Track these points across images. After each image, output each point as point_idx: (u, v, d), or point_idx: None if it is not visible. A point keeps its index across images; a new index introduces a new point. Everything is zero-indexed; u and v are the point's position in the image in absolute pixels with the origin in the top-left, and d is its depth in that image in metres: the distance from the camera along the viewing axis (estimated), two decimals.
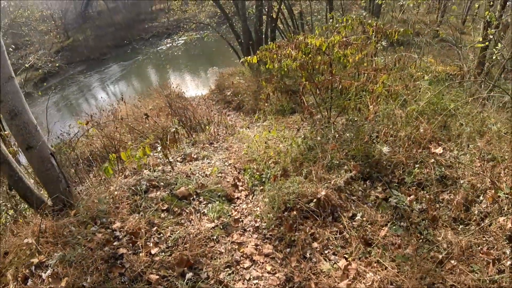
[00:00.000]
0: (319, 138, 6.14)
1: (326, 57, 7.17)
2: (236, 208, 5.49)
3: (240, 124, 10.97)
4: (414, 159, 5.52)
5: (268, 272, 4.21)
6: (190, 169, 6.48)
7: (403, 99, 6.63)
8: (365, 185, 5.43)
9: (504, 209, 4.47)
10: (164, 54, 29.27)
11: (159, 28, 31.33)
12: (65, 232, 4.38)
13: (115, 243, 4.26)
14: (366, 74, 7.21)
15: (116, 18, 35.91)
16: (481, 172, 5.01)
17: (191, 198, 5.40)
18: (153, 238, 4.44)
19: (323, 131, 6.51)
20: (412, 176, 5.36)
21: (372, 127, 6.34)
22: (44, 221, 4.45)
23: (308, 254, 4.36)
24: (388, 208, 4.94)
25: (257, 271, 4.22)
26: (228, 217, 5.11)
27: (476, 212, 4.64)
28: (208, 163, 7.06)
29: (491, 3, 10.52)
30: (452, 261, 3.99)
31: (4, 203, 5.82)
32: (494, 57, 9.55)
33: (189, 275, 3.98)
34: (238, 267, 4.28)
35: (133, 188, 5.33)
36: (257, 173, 6.17)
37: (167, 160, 6.45)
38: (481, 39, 9.99)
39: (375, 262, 4.16)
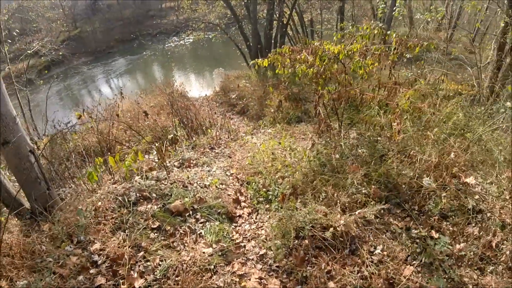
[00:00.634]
0: (337, 156, 5.30)
1: (342, 66, 6.43)
2: (237, 229, 4.68)
3: (243, 129, 10.19)
4: (443, 187, 4.72)
5: None
6: (188, 177, 5.70)
7: (427, 118, 5.87)
8: (382, 211, 4.64)
9: None
10: (171, 52, 28.52)
11: (168, 26, 30.60)
12: (36, 250, 3.59)
13: (92, 271, 3.47)
14: (386, 88, 6.41)
15: (125, 13, 35.15)
16: None
17: (187, 215, 4.60)
18: (139, 266, 3.63)
19: (340, 148, 5.68)
20: (438, 205, 4.56)
21: (395, 146, 5.56)
22: (13, 234, 3.64)
23: None
24: (409, 240, 4.17)
25: None
26: (229, 240, 4.31)
27: (506, 252, 3.90)
28: (208, 171, 6.28)
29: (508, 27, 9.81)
30: None
31: None
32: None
33: None
34: None
35: (120, 198, 4.51)
36: (263, 188, 5.35)
37: (163, 165, 5.63)
38: (494, 59, 9.38)
39: None
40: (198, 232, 4.33)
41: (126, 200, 4.49)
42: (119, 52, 31.14)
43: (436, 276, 3.76)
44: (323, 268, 3.74)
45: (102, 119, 10.83)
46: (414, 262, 3.89)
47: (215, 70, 18.31)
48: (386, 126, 6.07)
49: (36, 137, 13.75)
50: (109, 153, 8.70)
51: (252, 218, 4.92)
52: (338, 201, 4.51)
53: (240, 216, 4.92)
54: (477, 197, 4.56)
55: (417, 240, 4.14)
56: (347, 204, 4.53)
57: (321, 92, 6.07)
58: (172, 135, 7.20)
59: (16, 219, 4.35)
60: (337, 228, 3.97)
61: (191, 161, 6.72)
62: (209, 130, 8.93)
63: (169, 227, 4.25)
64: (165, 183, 5.33)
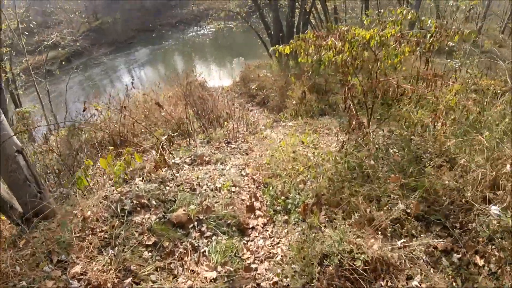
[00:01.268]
0: (372, 162, 4.41)
1: (372, 53, 5.57)
2: (249, 245, 3.88)
3: (263, 121, 9.38)
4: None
5: None
6: (198, 177, 4.95)
7: (473, 118, 4.95)
8: (419, 228, 3.78)
9: None
10: (192, 41, 27.81)
11: (188, 15, 29.88)
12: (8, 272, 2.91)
13: None
14: (424, 80, 5.47)
15: (146, 3, 34.40)
16: None
17: (191, 226, 3.83)
18: None
19: (374, 151, 4.80)
20: (488, 227, 3.65)
21: (434, 149, 4.69)
22: None
23: None
24: (450, 267, 3.35)
25: None
26: (237, 261, 3.51)
27: None
28: (222, 169, 5.52)
29: None
30: None
31: None
32: None
33: None
34: None
35: (113, 206, 3.77)
36: (281, 196, 4.53)
37: (165, 164, 4.86)
38: None
39: None
40: (202, 250, 3.55)
41: (119, 209, 3.73)
42: (140, 43, 30.52)
43: None
44: None
45: (114, 111, 10.26)
46: None
47: (235, 59, 17.45)
48: (423, 124, 5.16)
49: (53, 127, 13.40)
50: (125, 145, 8.14)
51: (268, 230, 4.11)
52: (371, 218, 3.66)
53: (253, 228, 4.12)
54: None
55: (459, 267, 3.34)
56: (382, 224, 3.68)
57: (352, 83, 5.19)
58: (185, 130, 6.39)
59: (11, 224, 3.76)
60: (371, 255, 3.13)
61: (204, 157, 5.96)
62: (225, 122, 8.12)
63: (167, 243, 3.49)
64: (171, 185, 4.59)
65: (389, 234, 3.59)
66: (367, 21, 6.75)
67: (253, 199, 4.66)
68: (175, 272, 3.23)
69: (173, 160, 5.75)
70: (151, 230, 3.57)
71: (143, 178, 4.53)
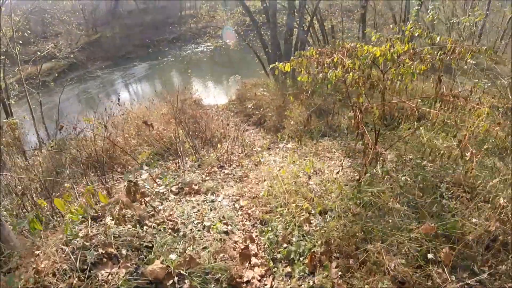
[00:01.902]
0: (397, 206, 3.58)
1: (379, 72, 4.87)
2: None
3: (259, 142, 8.55)
4: None
5: None
6: (183, 212, 4.10)
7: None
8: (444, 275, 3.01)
9: None
10: (189, 58, 27.06)
11: (186, 32, 29.27)
12: None
13: None
14: (443, 102, 4.68)
15: (145, 19, 33.67)
16: None
17: (170, 283, 2.94)
18: None
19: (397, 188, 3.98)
20: None
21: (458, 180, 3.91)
22: None
23: None
24: None
25: None
26: None
27: None
28: (212, 201, 4.67)
29: None
30: None
31: None
32: None
33: None
34: None
35: (73, 257, 2.89)
36: (283, 242, 3.67)
37: (144, 201, 4.00)
38: None
39: None
40: None
41: (81, 260, 2.85)
42: (138, 58, 29.62)
43: None
44: None
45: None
46: None
47: (231, 77, 16.62)
48: (450, 155, 4.37)
49: (46, 139, 12.61)
50: (112, 163, 7.32)
51: (266, 285, 3.23)
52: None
53: (248, 282, 3.23)
54: None
55: None
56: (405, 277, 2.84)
57: (366, 106, 4.39)
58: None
59: None
60: None
61: (193, 186, 5.12)
62: (219, 145, 7.27)
63: None
64: (149, 224, 3.72)
65: None
66: (375, 36, 6.03)
67: (248, 241, 3.80)
68: None
69: (157, 189, 4.88)
70: None
71: (114, 218, 3.64)
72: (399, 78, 4.75)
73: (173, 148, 7.45)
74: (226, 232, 3.91)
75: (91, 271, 2.82)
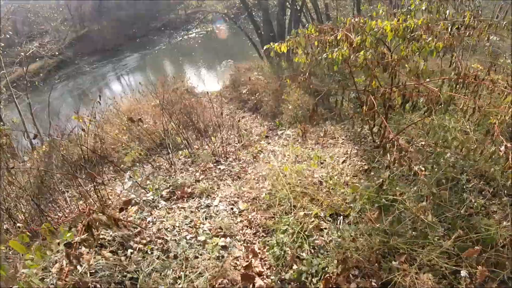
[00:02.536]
0: (430, 218, 2.91)
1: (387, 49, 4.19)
2: None
3: (257, 130, 7.87)
4: None
5: None
6: (174, 225, 3.44)
7: None
8: None
9: None
10: (180, 46, 26.07)
11: (175, 20, 28.25)
12: None
13: None
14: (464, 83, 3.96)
15: (133, 10, 32.47)
16: None
17: None
18: None
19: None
20: None
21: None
22: None
23: None
24: None
25: None
26: None
27: None
28: (207, 206, 4.02)
29: None
30: None
31: None
32: None
33: None
34: None
35: None
36: (291, 262, 3.01)
37: (124, 224, 3.35)
38: None
39: None
40: None
41: None
42: (128, 49, 28.79)
43: None
44: None
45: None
46: None
47: (223, 62, 15.76)
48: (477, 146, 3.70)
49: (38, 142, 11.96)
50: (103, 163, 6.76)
51: None
52: None
53: None
54: None
55: None
56: None
57: (384, 90, 3.71)
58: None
59: None
60: None
61: (186, 188, 4.44)
62: (212, 138, 6.57)
63: None
64: (135, 245, 3.06)
65: None
66: (383, 9, 5.31)
67: (250, 256, 3.15)
68: None
69: (144, 198, 4.21)
70: None
71: (93, 245, 2.96)
72: (422, 55, 4.04)
73: (166, 142, 6.77)
74: (224, 247, 3.26)
75: None
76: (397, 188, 3.17)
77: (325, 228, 3.26)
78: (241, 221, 3.74)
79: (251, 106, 9.66)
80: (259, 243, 3.39)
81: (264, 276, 2.95)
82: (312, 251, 3.01)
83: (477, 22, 4.28)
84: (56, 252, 2.82)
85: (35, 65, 21.42)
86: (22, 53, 14.26)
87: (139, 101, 10.77)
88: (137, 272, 2.69)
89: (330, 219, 3.46)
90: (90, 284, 2.45)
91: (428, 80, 3.95)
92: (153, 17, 31.78)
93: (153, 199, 4.29)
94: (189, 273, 2.77)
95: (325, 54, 4.09)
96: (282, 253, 3.03)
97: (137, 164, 6.68)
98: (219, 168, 5.30)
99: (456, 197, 3.46)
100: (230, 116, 8.93)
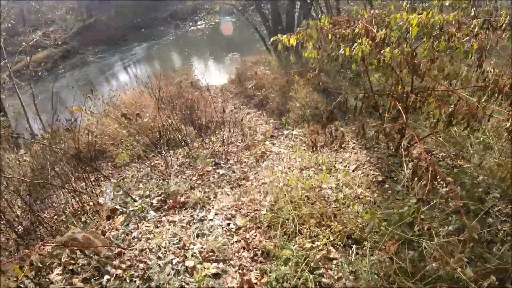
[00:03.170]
0: (469, 272, 2.35)
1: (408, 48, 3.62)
2: None
3: (262, 128, 7.31)
4: None
5: None
6: (161, 245, 2.92)
7: None
8: None
9: None
10: (187, 37, 25.44)
11: (183, 10, 27.61)
12: None
13: None
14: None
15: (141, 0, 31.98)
16: None
17: None
18: None
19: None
20: None
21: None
22: None
23: None
24: None
25: None
26: None
27: None
28: (200, 220, 3.48)
29: None
30: None
31: None
32: None
33: None
34: None
35: None
36: None
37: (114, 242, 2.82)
38: None
39: None
40: None
41: None
42: (135, 39, 28.17)
43: None
44: None
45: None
46: None
47: (229, 55, 15.10)
48: None
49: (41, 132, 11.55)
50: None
51: None
52: None
53: None
54: None
55: None
56: None
57: (414, 98, 3.14)
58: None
59: None
60: None
61: (179, 197, 3.90)
62: (212, 137, 6.01)
63: None
64: (113, 270, 2.54)
65: None
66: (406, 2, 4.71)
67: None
68: None
69: (131, 208, 3.68)
70: None
71: (66, 267, 2.44)
72: (457, 56, 3.43)
73: (167, 137, 6.22)
74: (216, 275, 2.72)
75: None
76: (422, 217, 2.59)
77: (335, 259, 2.72)
78: (237, 241, 3.19)
79: (257, 102, 9.05)
80: (256, 270, 2.85)
81: None
82: None
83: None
84: None
85: (40, 54, 21.03)
86: (24, 43, 13.72)
87: (142, 93, 10.24)
88: None
89: (340, 242, 2.92)
90: None
91: (457, 87, 3.36)
92: (160, 7, 31.05)
93: (142, 207, 3.77)
94: None
95: (342, 49, 3.50)
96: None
97: (136, 160, 6.20)
98: (218, 173, 4.74)
99: (479, 221, 2.90)
100: (234, 113, 8.38)
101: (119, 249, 2.84)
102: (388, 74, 3.83)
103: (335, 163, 4.82)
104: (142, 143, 6.56)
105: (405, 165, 4.21)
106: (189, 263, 2.74)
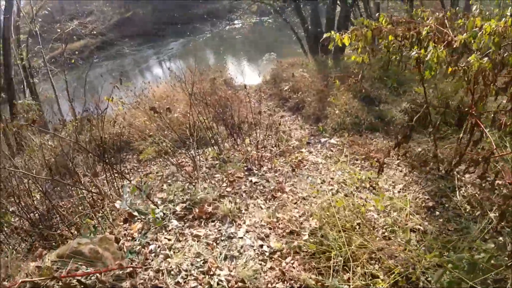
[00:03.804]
0: None
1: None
2: None
3: (297, 133, 6.78)
4: None
5: None
6: (181, 266, 2.42)
7: None
8: None
9: None
10: (222, 35, 25.25)
11: (219, 9, 27.39)
12: None
13: None
14: None
15: None
16: None
17: None
18: None
19: None
20: None
21: None
22: None
23: None
24: None
25: None
26: None
27: None
28: (229, 237, 2.98)
29: None
30: None
31: None
32: None
33: None
34: None
35: None
36: None
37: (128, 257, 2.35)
38: None
39: None
40: None
41: None
42: (170, 35, 28.27)
43: None
44: None
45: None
46: None
47: (266, 55, 14.58)
48: None
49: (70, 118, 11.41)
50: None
51: None
52: None
53: None
54: None
55: None
56: None
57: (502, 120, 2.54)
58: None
59: None
60: None
61: (206, 207, 3.40)
62: (246, 139, 5.48)
63: None
64: None
65: None
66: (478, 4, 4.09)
67: None
68: None
69: (152, 215, 3.20)
70: None
71: None
72: None
73: (197, 135, 5.73)
74: None
75: None
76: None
77: None
78: (271, 268, 2.66)
79: (292, 105, 8.46)
80: None
81: None
82: None
83: None
84: None
85: (77, 43, 21.21)
86: (59, 30, 13.88)
87: (175, 87, 9.85)
88: None
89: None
90: None
91: None
92: (197, 4, 30.90)
93: (164, 214, 3.30)
94: None
95: (414, 51, 2.92)
96: None
97: (163, 155, 5.79)
98: (251, 181, 4.22)
99: None
100: (268, 114, 7.85)
101: (131, 267, 2.37)
102: (459, 86, 3.23)
103: (379, 181, 4.26)
104: (170, 139, 6.15)
105: (457, 192, 3.64)
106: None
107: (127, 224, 3.31)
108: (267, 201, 3.71)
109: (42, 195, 4.31)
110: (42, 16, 13.59)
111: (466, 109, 3.46)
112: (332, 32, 3.64)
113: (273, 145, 5.95)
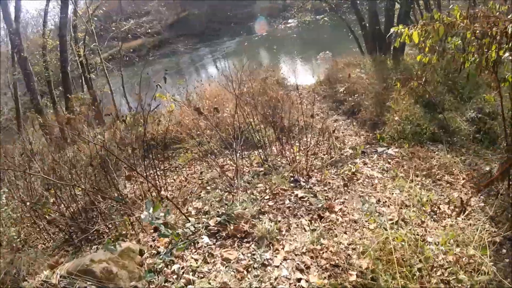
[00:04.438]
0: None
1: None
2: None
3: (351, 140, 6.22)
4: None
5: None
6: None
7: None
8: None
9: None
10: (276, 34, 24.93)
11: (273, 7, 27.17)
12: None
13: None
14: None
15: None
16: None
17: None
18: None
19: None
20: None
21: None
22: None
23: None
24: None
25: None
26: None
27: None
28: (263, 265, 2.65)
29: None
30: None
31: None
32: None
33: None
34: None
35: None
36: None
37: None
38: None
39: None
40: None
41: None
42: (225, 34, 28.70)
43: None
44: None
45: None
46: None
47: (320, 53, 13.89)
48: None
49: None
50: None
51: None
52: None
53: None
54: None
55: None
56: None
57: None
58: None
59: None
60: None
61: (242, 223, 2.98)
62: (294, 147, 4.92)
63: None
64: None
65: None
66: None
67: None
68: None
69: (180, 230, 2.83)
70: None
71: None
72: None
73: (242, 138, 5.33)
74: None
75: None
76: None
77: None
78: None
79: (347, 108, 7.80)
80: None
81: None
82: None
83: None
84: None
85: (134, 42, 22.07)
86: (114, 28, 14.29)
87: (226, 86, 9.59)
88: None
89: None
90: None
91: None
92: (252, 3, 30.94)
93: (195, 228, 2.92)
94: None
95: (507, 53, 2.34)
96: None
97: (209, 155, 5.49)
98: (296, 195, 3.72)
99: None
100: (320, 117, 7.30)
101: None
102: None
103: (440, 203, 3.64)
104: (218, 138, 5.84)
105: None
106: None
107: (156, 233, 2.99)
108: (312, 222, 3.20)
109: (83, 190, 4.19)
110: (100, 16, 14.07)
111: None
112: (400, 26, 3.09)
113: (325, 153, 5.43)
